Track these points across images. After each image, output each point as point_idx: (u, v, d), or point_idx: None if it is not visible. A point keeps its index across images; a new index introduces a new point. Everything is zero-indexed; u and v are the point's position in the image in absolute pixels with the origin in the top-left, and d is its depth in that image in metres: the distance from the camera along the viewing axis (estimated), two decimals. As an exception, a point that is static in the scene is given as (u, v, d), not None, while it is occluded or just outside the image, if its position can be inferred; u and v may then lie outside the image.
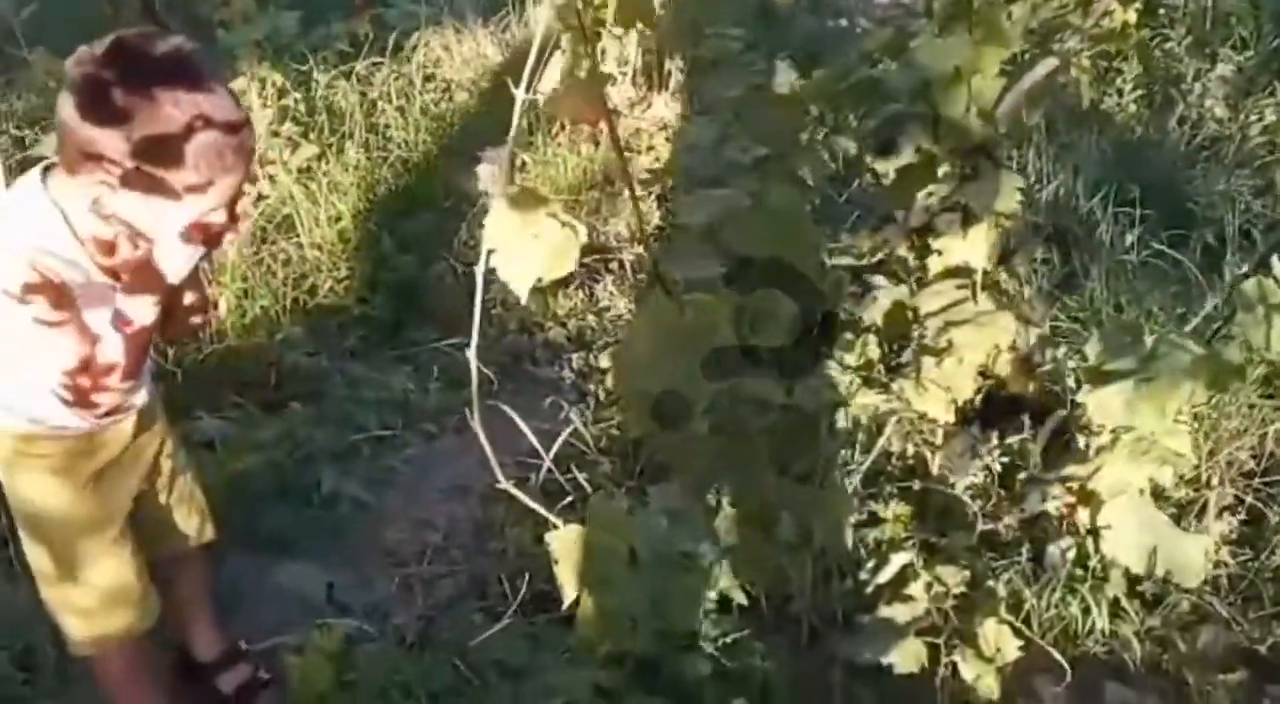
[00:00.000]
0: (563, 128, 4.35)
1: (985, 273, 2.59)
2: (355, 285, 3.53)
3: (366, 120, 4.11)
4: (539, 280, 2.12)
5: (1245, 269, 2.25)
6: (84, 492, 1.94)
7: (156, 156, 1.53)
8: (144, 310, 1.71)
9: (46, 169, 1.72)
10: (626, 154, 4.53)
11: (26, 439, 1.87)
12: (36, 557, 2.01)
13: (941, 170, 2.71)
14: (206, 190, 1.60)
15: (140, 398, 1.99)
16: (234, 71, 3.83)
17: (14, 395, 1.84)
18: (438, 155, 4.14)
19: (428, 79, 4.54)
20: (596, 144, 4.47)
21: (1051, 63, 2.73)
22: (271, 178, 3.69)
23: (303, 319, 3.39)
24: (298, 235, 3.58)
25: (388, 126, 4.18)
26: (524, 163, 4.16)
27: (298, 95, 4.01)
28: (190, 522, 2.22)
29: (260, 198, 3.66)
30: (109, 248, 1.62)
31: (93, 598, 2.01)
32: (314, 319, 3.41)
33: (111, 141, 1.53)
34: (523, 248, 2.06)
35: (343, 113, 4.12)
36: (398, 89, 4.32)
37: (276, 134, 3.78)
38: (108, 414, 1.90)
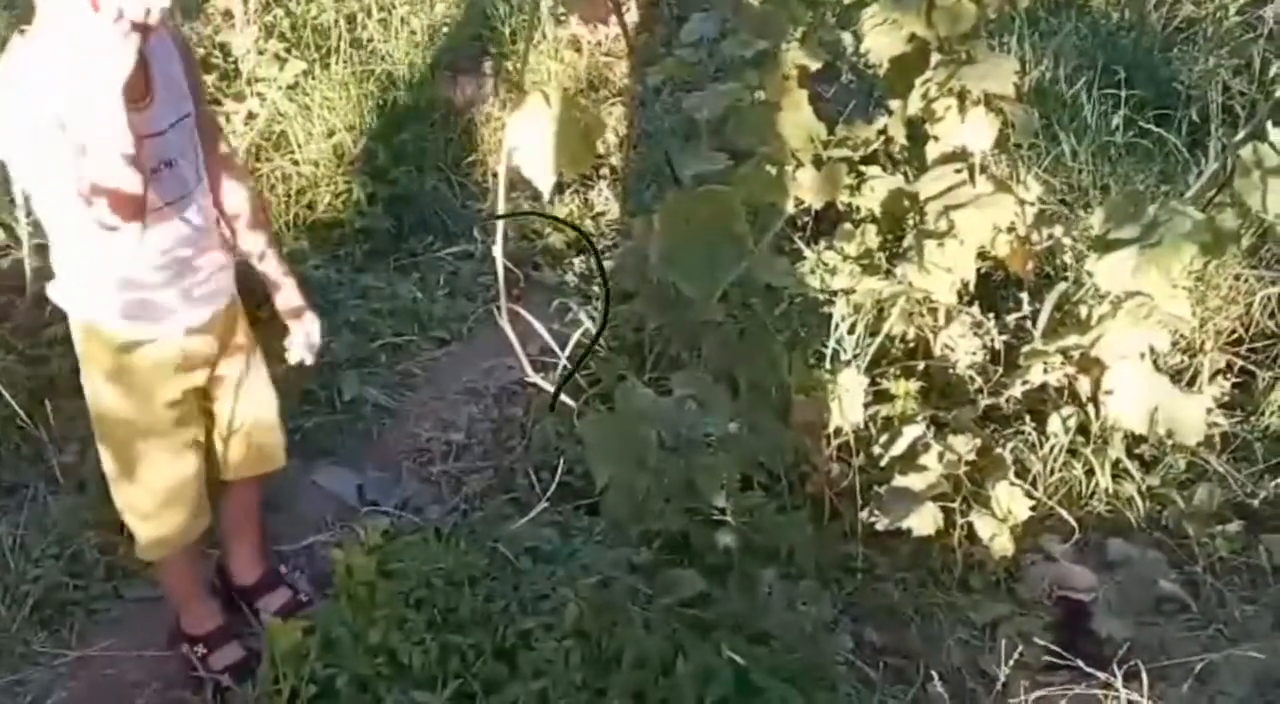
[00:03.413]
0: (544, 36, 4.35)
1: (984, 156, 2.66)
2: (354, 199, 3.55)
3: (350, 34, 4.09)
4: (560, 174, 2.17)
5: (1235, 140, 2.31)
6: (149, 402, 2.01)
7: None
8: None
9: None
10: (606, 58, 4.55)
11: (88, 331, 1.96)
12: (103, 455, 2.09)
13: (935, 58, 2.77)
14: None
15: (224, 280, 2.08)
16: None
17: (76, 284, 1.95)
18: (421, 67, 4.13)
19: (405, -9, 4.50)
20: (579, 51, 4.48)
21: (1040, -55, 2.77)
22: (261, 96, 3.68)
23: (305, 233, 3.42)
24: (293, 152, 3.58)
25: (370, 40, 4.16)
26: (509, 71, 4.17)
27: (280, 11, 3.98)
28: (236, 454, 2.23)
29: (250, 116, 3.65)
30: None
31: (149, 500, 2.09)
32: (316, 233, 3.44)
33: None
34: (545, 144, 2.11)
35: (325, 29, 4.09)
36: (377, 3, 4.29)
37: (263, 51, 3.76)
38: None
